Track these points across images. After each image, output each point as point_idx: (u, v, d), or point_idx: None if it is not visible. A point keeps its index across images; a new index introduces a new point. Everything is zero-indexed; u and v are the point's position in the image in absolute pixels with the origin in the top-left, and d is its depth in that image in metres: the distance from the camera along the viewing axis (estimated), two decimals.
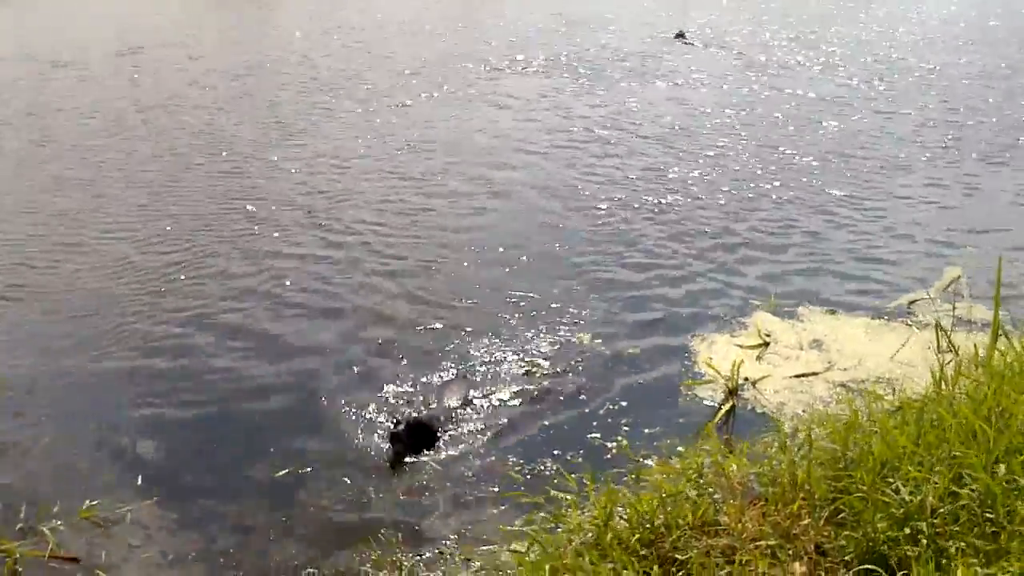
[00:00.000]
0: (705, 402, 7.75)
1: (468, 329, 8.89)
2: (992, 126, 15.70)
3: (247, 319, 9.16)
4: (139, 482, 6.89)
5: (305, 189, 12.38)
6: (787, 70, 19.43)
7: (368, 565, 6.06)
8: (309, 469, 7.02)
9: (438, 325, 8.97)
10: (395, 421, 7.31)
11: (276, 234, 11.02)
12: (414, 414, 7.38)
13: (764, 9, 26.97)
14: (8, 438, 7.28)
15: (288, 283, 9.82)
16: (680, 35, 23.46)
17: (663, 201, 12.16)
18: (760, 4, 28.53)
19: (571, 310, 9.28)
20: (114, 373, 8.24)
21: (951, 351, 7.95)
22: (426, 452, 7.11)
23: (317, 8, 25.72)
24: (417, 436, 7.13)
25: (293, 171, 13.00)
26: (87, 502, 6.53)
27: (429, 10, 26.09)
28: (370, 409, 7.70)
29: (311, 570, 6.06)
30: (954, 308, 8.98)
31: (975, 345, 7.85)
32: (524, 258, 10.48)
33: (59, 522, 6.32)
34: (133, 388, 8.06)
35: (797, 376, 8.03)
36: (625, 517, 5.47)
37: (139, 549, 6.27)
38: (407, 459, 7.01)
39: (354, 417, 7.63)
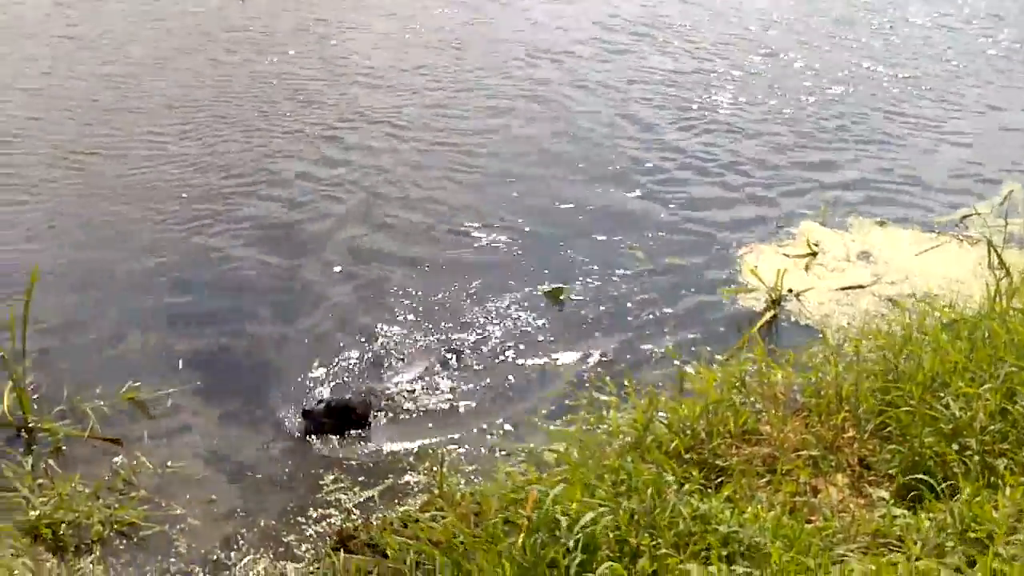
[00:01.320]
0: (748, 311, 7.64)
1: (502, 234, 8.78)
2: None
3: (272, 216, 9.09)
4: (180, 368, 6.95)
5: (339, 90, 12.03)
6: None
7: (411, 457, 6.10)
8: (353, 368, 7.05)
9: (470, 231, 8.85)
10: (317, 400, 6.52)
11: (304, 134, 10.74)
12: (345, 395, 6.66)
13: None
14: (52, 323, 7.30)
15: (310, 185, 9.65)
16: None
17: (713, 105, 11.86)
18: None
19: (613, 217, 9.15)
20: (156, 264, 8.23)
21: (1003, 268, 7.78)
22: (348, 433, 6.39)
23: None
24: (336, 418, 6.40)
25: (328, 69, 12.67)
26: (129, 384, 6.59)
27: None
28: (403, 311, 7.70)
29: (356, 462, 6.09)
30: (1006, 224, 8.76)
31: None
32: (562, 163, 10.28)
33: (102, 403, 6.37)
34: (175, 278, 8.06)
35: (843, 288, 7.91)
36: (665, 422, 5.43)
37: (179, 432, 6.37)
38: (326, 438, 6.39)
39: (390, 314, 7.65)
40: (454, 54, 13.34)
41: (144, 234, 8.67)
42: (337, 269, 8.27)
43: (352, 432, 6.35)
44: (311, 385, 6.83)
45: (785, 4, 16.08)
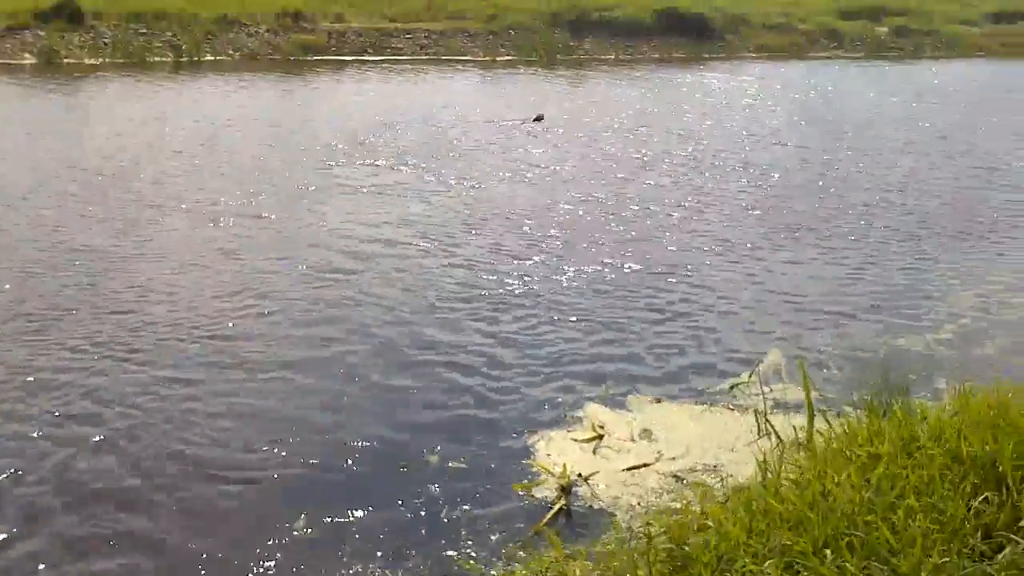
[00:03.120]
0: (542, 502, 7.66)
1: None
2: (827, 206, 16.81)
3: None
4: None
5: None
6: (622, 153, 20.32)
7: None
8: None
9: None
10: None
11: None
12: None
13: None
14: None
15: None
16: (539, 118, 25.12)
17: (492, 291, 12.19)
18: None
19: (394, 421, 9.05)
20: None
21: (772, 435, 8.27)
22: None
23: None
24: None
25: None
26: None
27: (247, 109, 25.92)
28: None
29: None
30: (769, 391, 9.34)
31: (795, 427, 8.21)
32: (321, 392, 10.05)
33: None
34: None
35: (629, 469, 8.11)
36: None
37: None
38: None
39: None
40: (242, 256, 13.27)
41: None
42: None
43: None
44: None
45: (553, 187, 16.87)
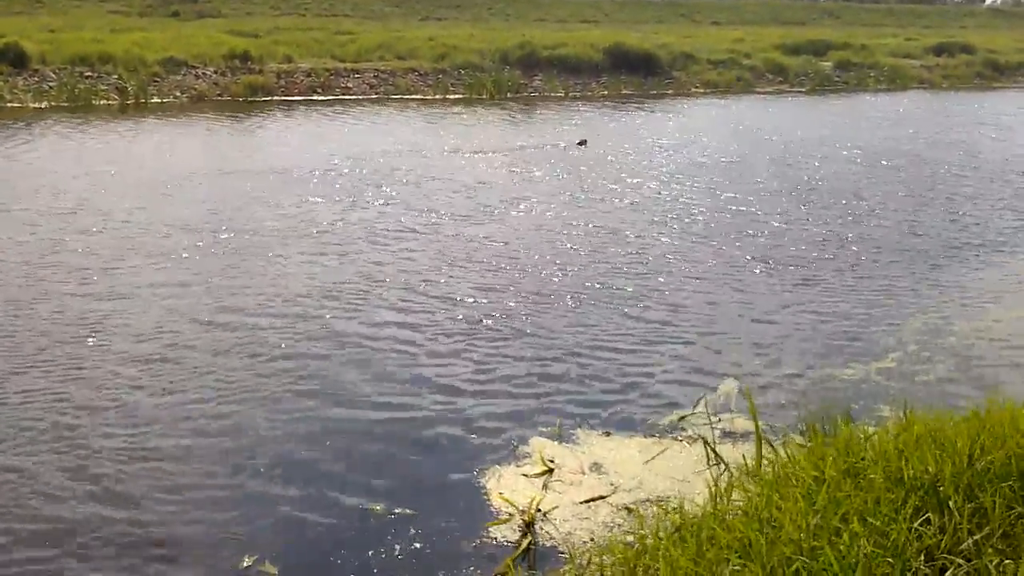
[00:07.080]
0: (506, 540, 7.62)
1: None
2: (775, 241, 17.05)
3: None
4: None
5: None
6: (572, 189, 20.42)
7: None
8: None
9: None
10: None
11: None
12: None
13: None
14: None
15: None
16: (583, 142, 27.38)
17: (444, 321, 12.24)
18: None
19: (342, 471, 8.90)
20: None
21: (721, 464, 8.37)
22: None
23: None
24: None
25: None
26: None
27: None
28: None
29: None
30: (718, 421, 9.47)
31: (744, 456, 8.32)
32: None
33: None
34: None
35: (583, 502, 8.15)
36: None
37: None
38: None
39: None
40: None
41: None
42: None
43: None
44: None
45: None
